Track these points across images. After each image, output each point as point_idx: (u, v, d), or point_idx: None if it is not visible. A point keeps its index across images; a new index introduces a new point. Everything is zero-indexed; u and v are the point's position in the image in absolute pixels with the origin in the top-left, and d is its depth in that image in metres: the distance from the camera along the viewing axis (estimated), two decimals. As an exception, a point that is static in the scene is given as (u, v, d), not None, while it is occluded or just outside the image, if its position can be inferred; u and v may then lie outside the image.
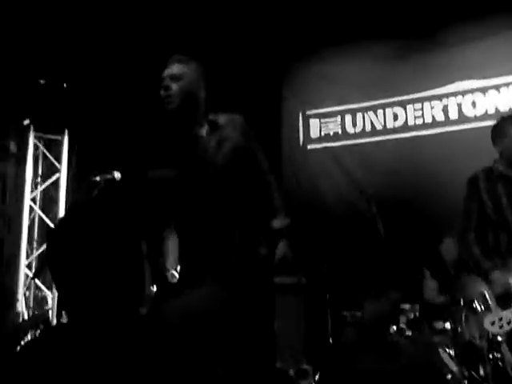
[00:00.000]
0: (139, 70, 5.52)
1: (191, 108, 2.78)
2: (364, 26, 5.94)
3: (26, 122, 5.85)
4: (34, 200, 6.07)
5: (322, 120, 6.46)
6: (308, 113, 6.53)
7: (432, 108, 6.01)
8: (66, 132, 6.12)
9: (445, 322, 4.47)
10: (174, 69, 2.81)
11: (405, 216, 5.51)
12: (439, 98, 6.00)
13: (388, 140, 6.13)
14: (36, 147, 6.13)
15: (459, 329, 4.04)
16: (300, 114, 6.55)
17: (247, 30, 5.94)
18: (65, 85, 5.61)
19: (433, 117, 6.01)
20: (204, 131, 2.81)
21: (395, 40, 6.11)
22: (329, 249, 5.63)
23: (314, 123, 6.50)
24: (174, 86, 2.75)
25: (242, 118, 2.88)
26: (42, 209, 6.14)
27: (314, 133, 6.49)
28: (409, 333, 4.62)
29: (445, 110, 5.98)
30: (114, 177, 3.07)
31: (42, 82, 5.68)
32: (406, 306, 4.78)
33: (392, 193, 5.58)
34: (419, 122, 6.06)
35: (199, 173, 2.69)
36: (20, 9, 5.20)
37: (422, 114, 6.05)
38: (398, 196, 5.61)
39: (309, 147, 6.49)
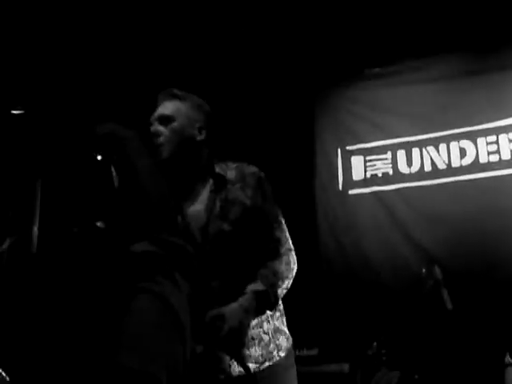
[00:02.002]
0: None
1: (187, 157, 2.42)
2: (418, 39, 5.12)
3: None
4: None
5: (368, 157, 5.55)
6: (349, 148, 5.62)
7: (510, 141, 5.05)
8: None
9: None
10: (165, 108, 2.47)
11: (479, 285, 4.71)
12: None
13: (453, 182, 5.18)
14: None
15: None
16: (339, 150, 5.67)
17: (267, 47, 5.19)
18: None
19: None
20: (207, 189, 2.45)
21: (460, 55, 5.27)
22: (377, 324, 4.90)
23: (357, 161, 5.58)
24: (164, 131, 2.40)
25: (254, 170, 2.51)
26: None
27: (357, 174, 5.58)
28: None
29: None
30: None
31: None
32: None
33: (460, 253, 4.80)
34: (494, 158, 5.08)
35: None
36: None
37: (498, 148, 5.08)
38: (470, 258, 4.79)
39: (350, 192, 5.58)
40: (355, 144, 5.60)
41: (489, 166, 5.06)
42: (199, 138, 2.47)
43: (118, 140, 1.26)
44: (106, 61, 4.87)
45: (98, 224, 1.39)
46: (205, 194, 2.43)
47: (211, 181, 2.46)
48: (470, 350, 4.45)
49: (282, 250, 2.42)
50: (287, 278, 2.36)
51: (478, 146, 5.13)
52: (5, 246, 2.95)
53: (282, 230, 2.47)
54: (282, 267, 2.37)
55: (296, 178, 5.41)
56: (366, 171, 5.54)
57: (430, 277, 4.38)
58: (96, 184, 1.34)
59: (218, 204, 2.40)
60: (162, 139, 2.37)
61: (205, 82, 4.79)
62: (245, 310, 2.15)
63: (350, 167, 5.59)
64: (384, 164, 5.47)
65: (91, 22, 4.56)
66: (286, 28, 4.97)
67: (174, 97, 2.49)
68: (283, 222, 2.51)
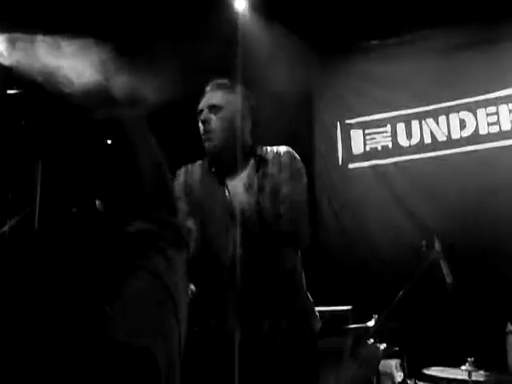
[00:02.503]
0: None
1: (235, 145, 2.61)
2: (417, 10, 5.05)
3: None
4: None
5: (367, 131, 5.53)
6: (348, 122, 5.60)
7: (511, 111, 5.00)
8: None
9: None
10: (214, 97, 2.63)
11: (477, 258, 4.72)
12: None
13: (454, 155, 5.17)
14: None
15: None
16: (338, 124, 5.65)
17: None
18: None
19: None
20: (248, 168, 2.65)
21: (459, 26, 5.18)
22: (380, 303, 4.68)
23: (357, 135, 5.57)
24: (214, 119, 2.58)
25: (290, 154, 2.66)
26: None
27: (357, 147, 5.57)
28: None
29: None
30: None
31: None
32: None
33: (460, 227, 4.79)
34: (494, 130, 5.05)
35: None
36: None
37: (498, 119, 5.04)
38: (469, 231, 4.79)
39: (350, 166, 5.58)
40: (354, 117, 5.58)
41: (489, 138, 5.04)
42: (245, 126, 2.66)
43: (117, 123, 1.24)
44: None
45: (97, 204, 1.39)
46: (245, 173, 2.62)
47: (252, 161, 2.65)
48: (472, 319, 4.49)
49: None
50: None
51: (478, 117, 5.11)
52: (6, 227, 2.96)
53: (290, 203, 2.60)
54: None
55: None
56: (365, 144, 5.53)
57: (430, 249, 4.27)
58: (95, 166, 1.34)
59: (255, 181, 2.60)
60: (212, 127, 2.56)
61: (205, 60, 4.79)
62: None
63: (350, 141, 5.59)
64: (383, 137, 5.45)
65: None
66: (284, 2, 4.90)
67: (222, 87, 2.65)
68: (305, 198, 2.66)
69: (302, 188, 2.68)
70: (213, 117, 2.59)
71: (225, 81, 2.71)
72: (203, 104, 2.65)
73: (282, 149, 2.71)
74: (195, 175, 2.73)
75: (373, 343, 4.10)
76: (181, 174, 2.75)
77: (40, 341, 1.01)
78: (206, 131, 2.58)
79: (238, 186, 2.62)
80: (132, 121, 1.29)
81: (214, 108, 2.61)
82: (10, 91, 2.74)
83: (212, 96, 2.66)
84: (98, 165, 1.35)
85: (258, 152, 2.70)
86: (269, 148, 2.71)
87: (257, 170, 2.65)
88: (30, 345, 1.02)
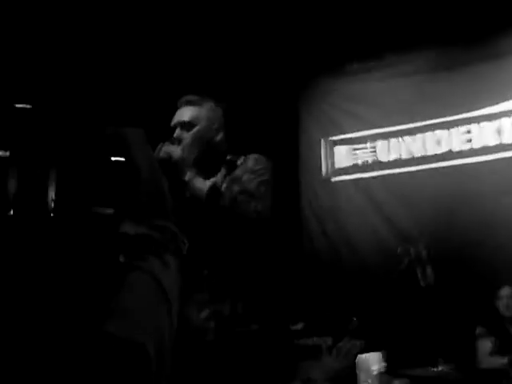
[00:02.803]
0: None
1: (206, 156, 2.61)
2: (396, 34, 5.26)
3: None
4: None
5: (350, 146, 5.76)
6: (332, 139, 5.84)
7: (481, 130, 5.27)
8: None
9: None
10: (185, 114, 2.64)
11: (453, 263, 4.88)
12: (490, 118, 5.25)
13: (430, 170, 5.40)
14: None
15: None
16: (322, 141, 5.86)
17: (256, 40, 5.25)
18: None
19: (483, 141, 5.26)
20: (218, 175, 2.63)
21: (435, 50, 5.47)
22: (360, 304, 4.99)
23: (340, 151, 5.80)
24: (187, 136, 2.57)
25: (256, 157, 2.67)
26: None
27: (340, 162, 5.80)
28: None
29: (498, 132, 5.22)
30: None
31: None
32: None
33: (435, 234, 4.93)
34: (467, 147, 5.32)
35: None
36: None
37: (471, 137, 5.30)
38: (442, 238, 4.96)
39: (333, 179, 5.80)
40: (338, 134, 5.79)
41: (462, 154, 5.26)
42: (217, 138, 2.67)
43: (121, 136, 1.25)
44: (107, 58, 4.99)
45: (106, 211, 1.34)
46: (213, 179, 2.59)
47: (223, 169, 2.65)
48: (444, 322, 4.64)
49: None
50: None
51: (453, 135, 5.33)
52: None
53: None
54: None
55: (281, 167, 5.47)
56: (347, 159, 5.73)
57: (406, 255, 4.54)
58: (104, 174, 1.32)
59: (224, 185, 2.58)
60: (184, 144, 2.55)
61: (192, 74, 4.96)
62: None
63: (333, 156, 5.79)
64: (364, 153, 5.66)
65: (96, 21, 4.69)
66: (272, 24, 5.06)
67: (192, 103, 2.65)
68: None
69: (260, 179, 2.66)
70: (185, 135, 2.58)
71: (194, 96, 2.70)
72: (175, 121, 2.64)
73: (251, 155, 2.71)
74: None
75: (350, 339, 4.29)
76: None
77: (39, 334, 1.05)
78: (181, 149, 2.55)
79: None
80: (133, 133, 1.30)
81: (185, 125, 2.60)
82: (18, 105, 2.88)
83: (182, 113, 2.65)
84: (100, 171, 1.33)
85: (229, 158, 2.71)
86: (242, 157, 2.71)
87: (225, 176, 2.64)
88: (30, 337, 1.04)
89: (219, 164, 2.68)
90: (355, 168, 5.70)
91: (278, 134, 5.57)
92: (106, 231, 1.28)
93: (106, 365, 0.92)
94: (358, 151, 5.71)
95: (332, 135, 5.82)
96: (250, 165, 2.65)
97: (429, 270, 4.52)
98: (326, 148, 5.82)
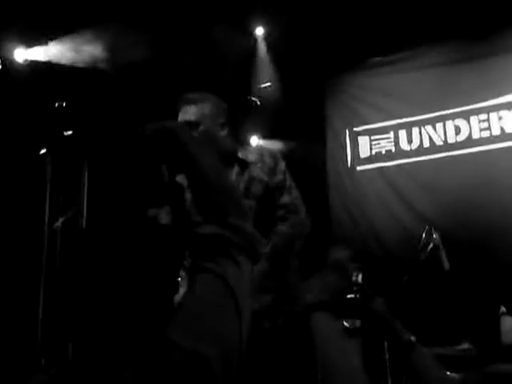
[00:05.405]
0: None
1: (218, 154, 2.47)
2: (416, 29, 5.44)
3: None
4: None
5: (373, 137, 5.93)
6: (356, 129, 6.01)
7: (500, 118, 5.40)
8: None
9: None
10: (189, 114, 2.62)
11: (473, 247, 5.01)
12: (508, 106, 5.37)
13: (450, 157, 5.54)
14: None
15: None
16: (347, 131, 6.05)
17: (286, 36, 5.52)
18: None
19: (501, 128, 5.39)
20: (232, 173, 2.68)
21: (453, 43, 5.61)
22: (383, 285, 5.05)
23: (364, 141, 5.97)
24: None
25: (270, 149, 2.79)
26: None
27: (364, 152, 5.97)
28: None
29: None
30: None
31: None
32: None
33: (457, 220, 5.12)
34: (486, 134, 5.45)
35: None
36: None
37: (489, 125, 5.44)
38: (465, 224, 5.11)
39: (358, 168, 5.97)
40: (361, 125, 5.95)
41: (481, 142, 5.40)
42: (223, 133, 2.70)
43: (169, 132, 1.19)
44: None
45: (161, 219, 1.39)
46: (231, 178, 2.66)
47: (236, 167, 2.70)
48: (467, 303, 4.76)
49: (288, 215, 2.73)
50: (290, 235, 2.73)
51: (471, 124, 5.47)
52: (58, 223, 3.32)
53: (290, 198, 2.76)
54: (283, 228, 2.71)
55: (309, 157, 5.68)
56: (371, 149, 5.89)
57: (429, 241, 4.48)
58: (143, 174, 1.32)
59: (241, 185, 2.66)
60: None
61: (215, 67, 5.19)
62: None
63: (357, 146, 5.95)
64: (387, 142, 5.82)
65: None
66: (302, 18, 5.27)
67: (193, 102, 2.65)
68: (293, 190, 2.79)
69: (286, 183, 2.76)
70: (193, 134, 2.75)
71: (194, 94, 2.68)
72: (180, 120, 2.63)
73: (265, 150, 2.80)
74: None
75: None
76: None
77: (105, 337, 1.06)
78: None
79: None
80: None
81: (190, 125, 2.58)
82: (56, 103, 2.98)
83: (185, 112, 2.63)
84: (158, 171, 1.30)
85: (241, 156, 2.73)
86: (250, 148, 2.82)
87: (241, 174, 2.68)
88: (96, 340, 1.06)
89: (230, 161, 2.71)
90: (379, 157, 5.85)
91: (306, 125, 5.74)
92: (165, 234, 1.30)
93: (167, 374, 0.89)
94: (381, 141, 5.85)
95: (356, 126, 5.97)
96: (270, 165, 2.73)
97: (446, 255, 4.47)
98: (350, 138, 5.98)
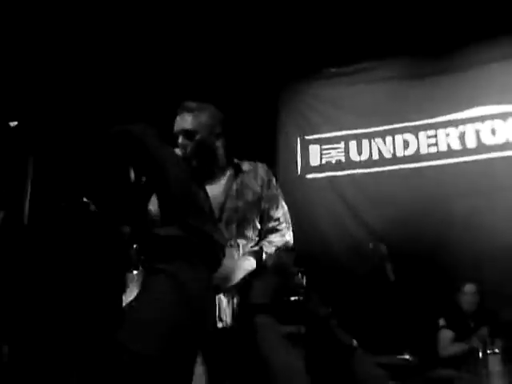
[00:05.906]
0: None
1: (208, 163, 2.70)
2: (370, 44, 5.54)
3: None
4: None
5: (324, 146, 5.98)
6: (308, 138, 6.05)
7: (447, 135, 5.54)
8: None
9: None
10: (187, 122, 2.66)
11: (417, 259, 5.07)
12: (455, 124, 5.53)
13: (397, 170, 5.64)
14: None
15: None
16: (298, 139, 6.08)
17: (240, 47, 5.48)
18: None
19: (448, 145, 5.53)
20: (226, 176, 2.77)
21: (406, 59, 5.74)
22: (329, 294, 5.07)
23: (314, 150, 6.01)
24: (190, 144, 2.63)
25: (263, 165, 2.85)
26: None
27: (314, 160, 6.00)
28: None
29: (461, 137, 5.50)
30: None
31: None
32: None
33: (404, 232, 5.16)
34: (433, 150, 5.58)
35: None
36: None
37: (436, 141, 5.57)
38: (409, 235, 5.15)
39: (308, 176, 5.99)
40: (313, 134, 5.99)
41: (428, 157, 5.51)
42: (218, 143, 2.73)
43: (135, 135, 1.20)
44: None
45: (87, 202, 1.35)
46: (224, 180, 2.75)
47: (230, 169, 2.77)
48: (409, 315, 4.73)
49: (280, 227, 2.80)
50: (277, 244, 2.78)
51: (420, 139, 5.58)
52: None
53: (283, 212, 2.84)
54: (277, 238, 2.78)
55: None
56: (321, 158, 5.92)
57: (376, 253, 4.74)
58: (92, 168, 1.34)
59: (234, 187, 2.72)
60: (189, 152, 2.60)
61: (175, 76, 5.11)
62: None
63: (308, 155, 5.97)
64: (338, 152, 5.87)
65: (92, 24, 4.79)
66: (255, 27, 5.26)
67: (192, 111, 2.68)
68: (284, 205, 2.87)
69: (278, 197, 2.84)
70: (188, 142, 2.61)
71: (193, 103, 2.71)
72: (177, 128, 2.66)
73: (258, 164, 2.83)
74: None
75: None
76: None
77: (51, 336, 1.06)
78: (185, 157, 2.57)
79: (215, 191, 2.63)
80: (147, 133, 1.24)
81: (187, 133, 2.62)
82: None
83: (183, 120, 2.66)
84: (101, 169, 1.33)
85: (236, 161, 2.80)
86: (244, 161, 2.79)
87: (235, 177, 2.74)
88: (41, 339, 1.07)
89: (225, 166, 2.79)
90: (329, 166, 5.89)
91: (259, 133, 5.71)
92: (119, 233, 1.30)
93: (115, 376, 0.90)
94: (331, 151, 5.90)
95: (308, 135, 6.00)
96: (261, 175, 2.80)
97: (391, 267, 4.66)
98: (301, 146, 6.01)
